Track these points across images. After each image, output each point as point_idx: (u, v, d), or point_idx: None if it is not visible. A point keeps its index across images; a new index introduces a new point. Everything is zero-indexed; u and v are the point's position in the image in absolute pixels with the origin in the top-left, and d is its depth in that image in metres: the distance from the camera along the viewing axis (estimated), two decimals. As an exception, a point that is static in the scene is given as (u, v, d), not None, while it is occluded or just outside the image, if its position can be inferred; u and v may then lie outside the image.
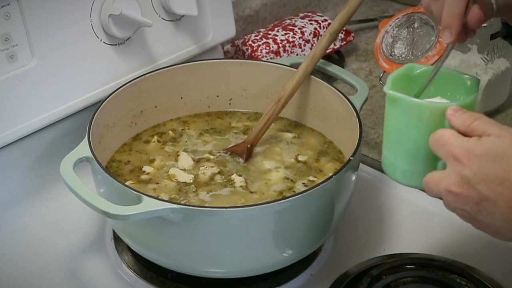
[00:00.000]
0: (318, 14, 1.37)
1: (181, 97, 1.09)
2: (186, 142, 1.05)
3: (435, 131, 0.77)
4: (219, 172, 0.98)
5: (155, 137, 1.05)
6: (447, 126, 0.78)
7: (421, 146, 0.80)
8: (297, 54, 1.30)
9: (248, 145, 1.01)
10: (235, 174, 0.97)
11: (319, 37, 1.28)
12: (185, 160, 1.00)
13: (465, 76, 0.84)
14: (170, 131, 1.07)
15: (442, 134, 0.76)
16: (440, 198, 0.77)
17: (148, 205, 0.81)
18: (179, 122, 1.09)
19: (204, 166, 0.99)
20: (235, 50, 1.30)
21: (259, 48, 1.27)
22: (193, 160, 1.01)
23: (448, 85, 0.85)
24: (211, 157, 1.01)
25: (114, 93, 1.00)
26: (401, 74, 0.85)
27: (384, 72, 1.07)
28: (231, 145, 1.03)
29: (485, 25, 1.14)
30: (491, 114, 1.21)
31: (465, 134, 0.75)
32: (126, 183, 0.94)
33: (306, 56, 1.04)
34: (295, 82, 1.02)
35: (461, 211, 0.75)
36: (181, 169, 0.99)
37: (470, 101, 0.81)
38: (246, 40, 1.28)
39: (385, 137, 0.85)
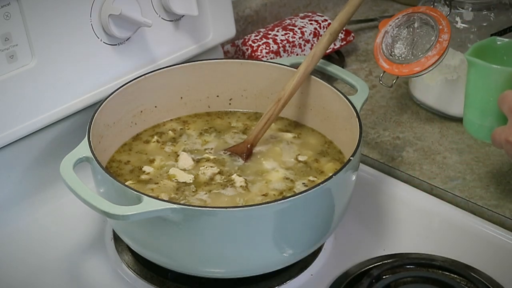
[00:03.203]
0: (318, 14, 1.37)
1: (181, 97, 1.09)
2: (186, 142, 1.05)
3: (503, 91, 0.91)
4: (219, 172, 0.98)
5: (155, 137, 1.05)
6: None
7: (492, 104, 0.94)
8: (297, 54, 1.29)
9: (248, 145, 1.01)
10: (235, 174, 0.97)
11: (319, 37, 1.28)
12: (185, 160, 1.00)
13: None
14: (170, 131, 1.07)
15: (507, 93, 0.91)
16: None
17: (148, 205, 0.81)
18: (179, 122, 1.09)
19: (204, 166, 0.99)
20: (235, 50, 1.30)
21: (259, 48, 1.27)
22: (193, 160, 1.01)
23: None
24: (211, 157, 1.01)
25: (114, 93, 1.00)
26: (484, 44, 1.00)
27: (384, 72, 1.07)
28: (231, 145, 1.03)
29: (484, 24, 1.13)
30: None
31: None
32: (126, 183, 0.94)
33: (306, 56, 1.04)
34: (295, 82, 1.02)
35: None
36: (181, 169, 0.99)
37: None
38: (246, 40, 1.28)
39: (466, 97, 1.00)
